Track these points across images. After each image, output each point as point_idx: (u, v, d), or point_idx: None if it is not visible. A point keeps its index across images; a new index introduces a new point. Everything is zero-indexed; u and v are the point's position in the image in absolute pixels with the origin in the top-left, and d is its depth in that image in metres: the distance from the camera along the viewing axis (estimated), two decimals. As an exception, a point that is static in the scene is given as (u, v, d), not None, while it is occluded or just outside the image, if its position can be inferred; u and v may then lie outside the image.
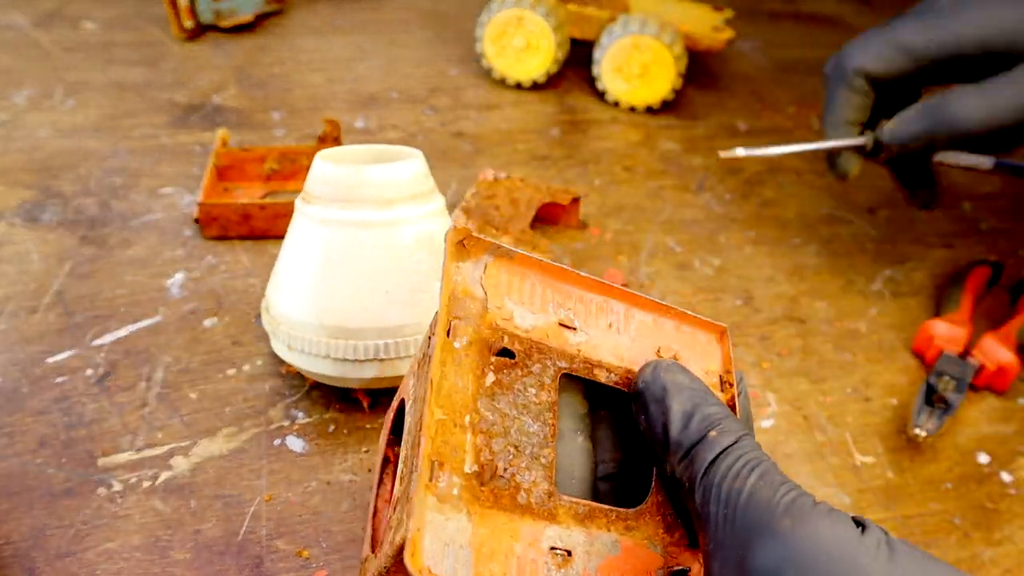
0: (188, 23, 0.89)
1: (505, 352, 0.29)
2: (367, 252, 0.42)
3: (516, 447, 0.28)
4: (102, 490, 0.41)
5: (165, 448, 0.44)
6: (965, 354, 0.53)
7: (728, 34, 0.85)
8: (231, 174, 0.65)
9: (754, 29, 1.08)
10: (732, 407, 0.32)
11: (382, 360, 0.43)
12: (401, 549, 0.26)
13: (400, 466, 0.30)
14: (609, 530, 0.29)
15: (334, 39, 0.95)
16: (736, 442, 0.27)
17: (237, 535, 0.40)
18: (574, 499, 0.29)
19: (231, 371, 0.49)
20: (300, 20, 0.99)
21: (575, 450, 0.31)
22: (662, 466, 0.30)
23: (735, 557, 0.25)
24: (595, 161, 0.75)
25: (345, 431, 0.46)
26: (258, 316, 0.53)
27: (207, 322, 0.52)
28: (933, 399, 0.51)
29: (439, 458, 0.26)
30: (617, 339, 0.32)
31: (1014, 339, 0.53)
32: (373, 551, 0.34)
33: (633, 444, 0.32)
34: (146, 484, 0.42)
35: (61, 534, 0.39)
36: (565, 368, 0.30)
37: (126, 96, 0.78)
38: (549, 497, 0.28)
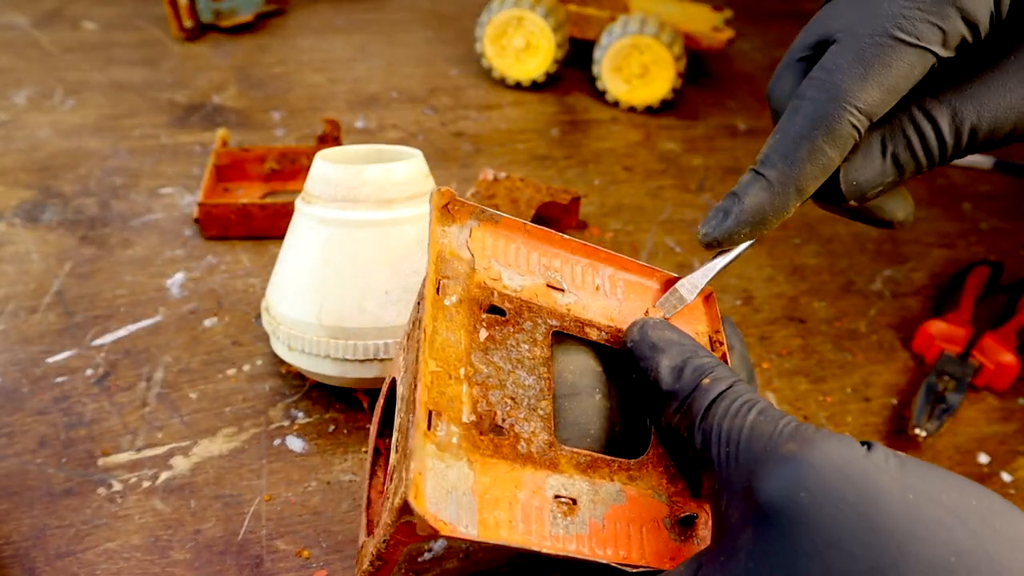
0: (188, 23, 0.89)
1: (495, 309, 0.30)
2: (367, 252, 0.42)
3: (513, 399, 0.28)
4: (102, 490, 0.41)
5: (165, 448, 0.44)
6: (965, 354, 0.53)
7: (728, 34, 0.85)
8: (231, 174, 0.65)
9: (754, 29, 1.08)
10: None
11: (382, 360, 0.43)
12: (403, 507, 0.26)
13: (395, 435, 0.30)
14: (612, 480, 0.29)
15: (334, 39, 0.95)
16: (731, 387, 0.27)
17: (237, 535, 0.40)
18: (575, 450, 0.29)
19: (231, 371, 0.49)
20: (300, 20, 0.99)
21: (592, 408, 0.31)
22: (659, 419, 0.30)
23: (742, 491, 0.25)
24: (595, 161, 0.75)
25: (345, 431, 0.46)
26: (258, 316, 0.53)
27: (207, 322, 0.52)
28: (933, 399, 0.51)
29: (436, 408, 0.26)
30: (605, 301, 0.33)
31: (1014, 339, 0.53)
32: (369, 534, 0.34)
33: (630, 399, 0.32)
34: (146, 484, 0.42)
35: (61, 534, 0.39)
36: (556, 326, 0.31)
37: (126, 96, 0.78)
38: (550, 447, 0.28)
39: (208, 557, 0.38)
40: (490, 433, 0.27)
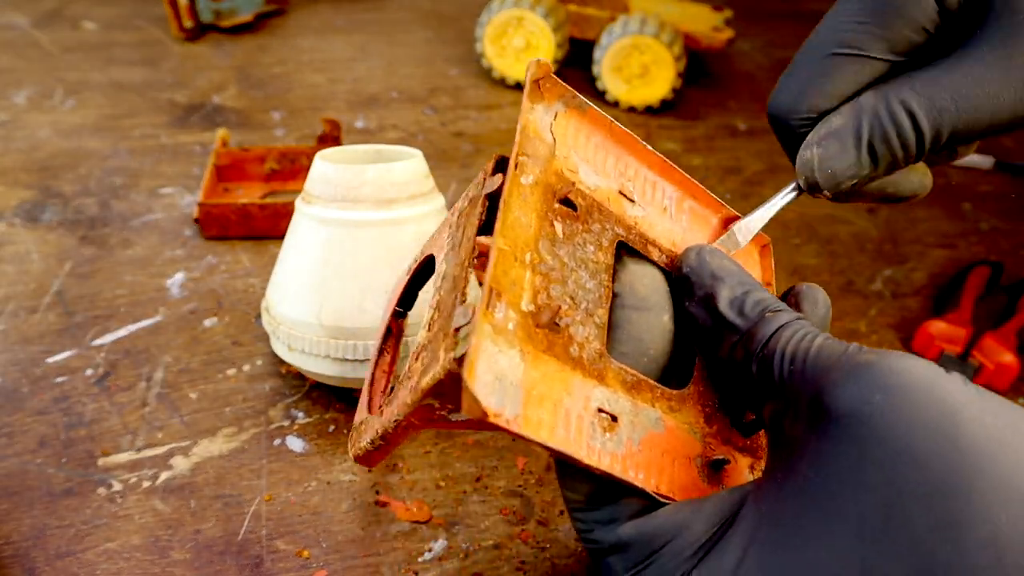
0: (188, 23, 0.89)
1: (568, 203, 0.28)
2: (367, 252, 0.42)
3: (572, 299, 0.27)
4: (102, 490, 0.41)
5: (165, 448, 0.44)
6: (965, 354, 0.53)
7: (728, 34, 0.85)
8: (231, 174, 0.65)
9: (754, 29, 1.08)
10: None
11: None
12: (432, 388, 0.25)
13: (430, 312, 0.29)
14: (654, 406, 0.28)
15: (334, 39, 0.95)
16: (796, 319, 0.27)
17: (237, 535, 0.40)
18: (623, 366, 0.28)
19: (231, 371, 0.49)
20: (300, 20, 0.99)
21: (658, 327, 0.29)
22: (712, 351, 0.29)
23: (808, 404, 0.23)
24: (595, 161, 0.75)
25: (345, 431, 0.46)
26: (258, 316, 0.53)
27: (207, 322, 0.52)
28: None
29: (498, 287, 0.24)
30: (671, 224, 0.32)
31: (1014, 339, 0.53)
32: (371, 412, 0.33)
33: (681, 328, 0.30)
34: (146, 484, 0.42)
35: (61, 534, 0.39)
36: (622, 236, 0.29)
37: (126, 96, 0.78)
38: (600, 357, 0.27)
39: (208, 557, 0.38)
40: (546, 328, 0.25)
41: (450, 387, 0.25)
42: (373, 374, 0.36)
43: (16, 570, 0.37)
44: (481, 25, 0.83)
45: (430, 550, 0.39)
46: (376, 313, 0.42)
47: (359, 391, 0.47)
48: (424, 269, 0.36)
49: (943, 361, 0.53)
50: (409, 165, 0.44)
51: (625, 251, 0.30)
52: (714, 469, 0.29)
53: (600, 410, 0.26)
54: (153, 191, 0.65)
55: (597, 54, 0.82)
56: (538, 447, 0.24)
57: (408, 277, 0.36)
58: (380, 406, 0.33)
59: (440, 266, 0.31)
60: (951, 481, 0.20)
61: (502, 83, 0.86)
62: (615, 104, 0.84)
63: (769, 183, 0.74)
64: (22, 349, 0.49)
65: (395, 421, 0.28)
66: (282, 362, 0.49)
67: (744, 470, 0.30)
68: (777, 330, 0.26)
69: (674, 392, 0.29)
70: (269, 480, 0.43)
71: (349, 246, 0.42)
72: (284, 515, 0.41)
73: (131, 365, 0.49)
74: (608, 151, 0.31)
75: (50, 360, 0.48)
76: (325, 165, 0.43)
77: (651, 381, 0.28)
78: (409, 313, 0.38)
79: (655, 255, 0.30)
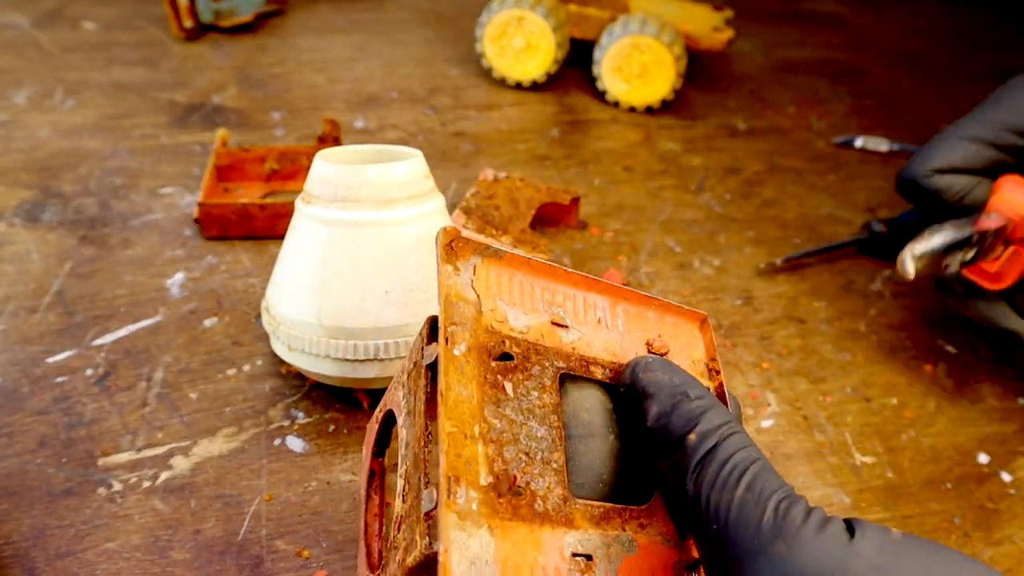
0: (188, 23, 0.89)
1: (505, 356, 0.29)
2: (367, 252, 0.42)
3: (527, 454, 0.27)
4: (102, 490, 0.41)
5: (165, 448, 0.44)
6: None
7: (728, 34, 0.85)
8: (231, 174, 0.65)
9: (754, 29, 1.08)
10: (720, 393, 0.32)
11: (382, 360, 0.43)
12: (417, 568, 0.25)
13: (400, 483, 0.30)
14: (624, 529, 0.28)
15: (334, 39, 0.95)
16: (717, 445, 0.27)
17: (237, 535, 0.40)
18: (587, 501, 0.28)
19: (231, 371, 0.49)
20: (300, 20, 0.99)
21: (606, 450, 0.30)
22: (656, 464, 0.29)
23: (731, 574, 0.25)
24: (595, 161, 0.75)
25: (345, 431, 0.46)
26: (258, 316, 0.53)
27: (207, 322, 0.52)
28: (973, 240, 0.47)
29: (454, 473, 0.25)
30: (607, 334, 0.32)
31: None
32: (372, 571, 0.34)
33: (633, 440, 0.31)
34: (146, 484, 0.42)
35: (61, 534, 0.39)
36: (563, 368, 0.30)
37: (126, 96, 0.78)
38: (565, 502, 0.27)
39: (208, 557, 0.38)
40: (508, 495, 0.26)
41: (432, 567, 0.26)
42: (365, 520, 0.36)
43: (16, 570, 0.37)
44: (481, 25, 0.83)
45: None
46: (376, 313, 0.42)
47: (359, 391, 0.47)
48: (389, 418, 0.36)
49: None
50: (409, 165, 0.44)
51: (566, 379, 0.30)
52: (692, 570, 0.29)
53: (574, 554, 0.26)
54: (153, 191, 0.65)
55: (597, 54, 0.82)
56: None
57: (377, 426, 0.37)
58: (378, 563, 0.34)
59: (401, 430, 0.32)
60: None
61: (502, 83, 0.86)
62: (615, 104, 0.84)
63: (769, 183, 0.74)
64: (22, 349, 0.49)
65: None
66: (282, 362, 0.49)
67: None
68: (701, 461, 0.27)
69: (642, 508, 0.29)
70: (269, 480, 0.43)
71: (349, 246, 0.42)
72: (284, 515, 0.41)
73: (131, 365, 0.49)
74: (534, 285, 0.31)
75: (50, 360, 0.48)
76: (325, 165, 0.43)
77: (617, 507, 0.29)
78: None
79: (598, 373, 0.31)
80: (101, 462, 0.43)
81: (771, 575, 0.24)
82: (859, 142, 0.81)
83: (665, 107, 0.84)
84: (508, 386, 0.28)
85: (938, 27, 1.18)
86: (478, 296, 0.29)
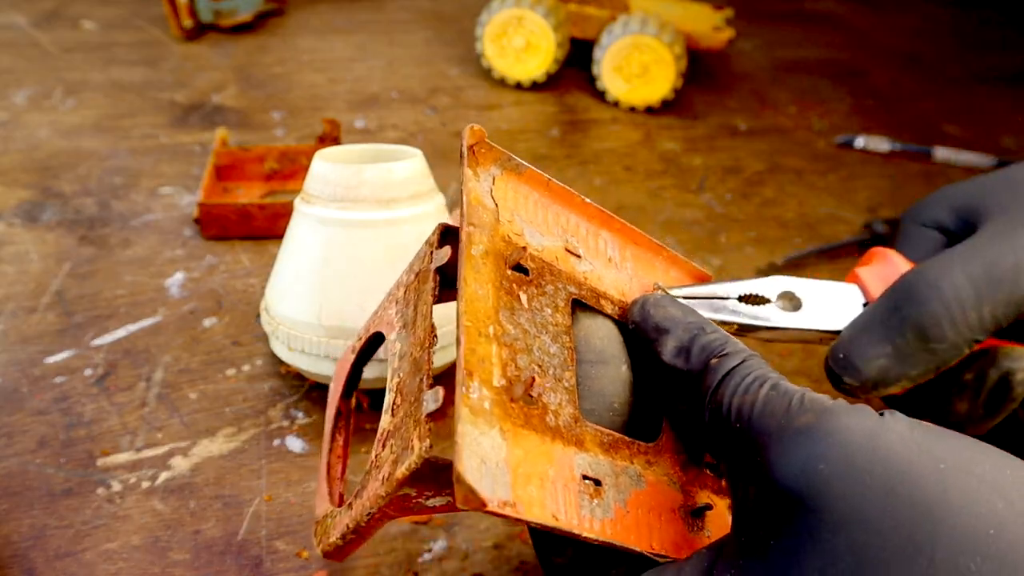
0: (187, 23, 0.89)
1: (520, 268, 0.28)
2: (367, 252, 0.42)
3: (540, 366, 0.26)
4: (102, 490, 0.41)
5: (165, 448, 0.44)
6: None
7: (728, 34, 0.85)
8: (231, 174, 0.65)
9: (754, 29, 1.08)
10: None
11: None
12: (406, 478, 0.24)
13: (390, 397, 0.29)
14: (632, 463, 0.28)
15: (334, 39, 0.95)
16: (742, 362, 0.26)
17: (237, 535, 0.40)
18: (599, 427, 0.27)
19: (231, 371, 0.49)
20: (300, 20, 0.99)
21: (619, 378, 0.29)
22: (670, 400, 0.28)
23: (757, 471, 0.23)
24: (595, 161, 0.75)
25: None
26: (258, 316, 0.53)
27: (207, 322, 0.52)
28: None
29: (468, 368, 0.23)
30: (617, 273, 0.31)
31: None
32: (337, 505, 0.32)
33: (642, 377, 0.30)
34: (146, 484, 0.42)
35: (61, 534, 0.39)
36: (575, 294, 0.29)
37: (126, 96, 0.78)
38: (576, 422, 0.26)
39: (208, 557, 0.38)
40: (521, 401, 0.25)
41: (428, 474, 0.25)
42: (328, 461, 0.35)
43: (16, 570, 0.37)
44: (481, 25, 0.83)
45: (430, 551, 0.39)
46: (376, 313, 0.42)
47: (359, 391, 0.47)
48: (369, 347, 0.35)
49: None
50: (409, 165, 0.44)
51: (577, 307, 0.30)
52: (696, 516, 0.29)
53: (584, 476, 0.25)
54: (153, 191, 0.64)
55: (597, 54, 0.82)
56: (536, 526, 0.23)
57: (354, 356, 0.36)
58: (345, 497, 0.32)
59: (394, 345, 0.31)
60: (914, 540, 0.20)
61: (502, 83, 0.86)
62: (615, 104, 0.84)
63: (769, 183, 0.74)
64: (21, 349, 0.49)
65: (368, 514, 0.27)
66: (282, 362, 0.49)
67: (725, 512, 0.30)
68: (723, 379, 0.26)
69: (648, 445, 0.29)
70: (269, 480, 0.42)
71: (349, 246, 0.42)
72: (284, 515, 0.41)
73: (131, 365, 0.48)
74: (548, 209, 0.30)
75: (49, 360, 0.48)
76: (325, 165, 0.43)
77: (626, 438, 0.28)
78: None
79: (607, 308, 0.30)
80: (100, 462, 0.43)
81: (798, 447, 0.22)
82: (860, 142, 0.81)
83: (665, 107, 0.84)
84: (523, 297, 0.27)
85: (938, 27, 1.18)
86: (496, 205, 0.28)
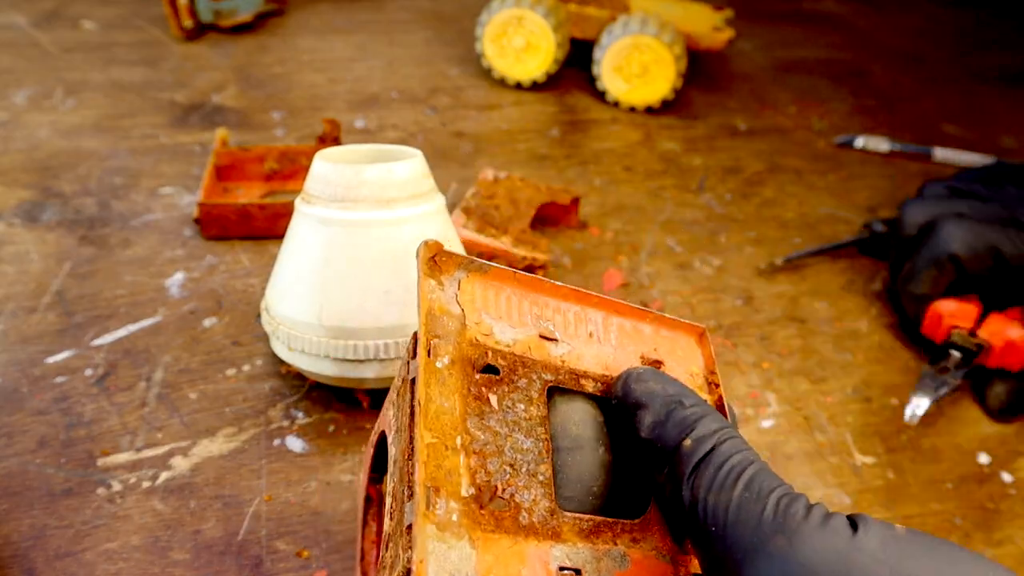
0: (187, 23, 0.89)
1: (489, 368, 0.28)
2: (367, 252, 0.42)
3: (512, 465, 0.27)
4: (102, 490, 0.41)
5: (165, 448, 0.44)
6: (974, 332, 0.52)
7: (728, 34, 0.85)
8: (231, 174, 0.65)
9: (754, 29, 1.08)
10: (720, 407, 0.31)
11: (382, 360, 0.43)
12: None
13: (388, 501, 0.30)
14: (616, 544, 0.28)
15: (334, 39, 0.95)
16: (713, 448, 0.26)
17: (237, 535, 0.40)
18: (577, 515, 0.28)
19: (231, 371, 0.49)
20: (300, 20, 0.99)
21: (595, 462, 0.29)
22: (652, 477, 0.29)
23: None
24: (595, 161, 0.75)
25: (345, 431, 0.46)
26: (258, 316, 0.53)
27: (207, 322, 0.52)
28: (936, 371, 0.51)
29: (434, 483, 0.25)
30: (599, 348, 0.32)
31: (1020, 315, 0.52)
32: None
33: (627, 453, 0.31)
34: (146, 484, 0.42)
35: (61, 534, 0.39)
36: (551, 380, 0.29)
37: (126, 96, 0.78)
38: (552, 515, 0.27)
39: (208, 557, 0.38)
40: (491, 506, 0.25)
41: None
42: (362, 547, 0.36)
43: (16, 570, 0.37)
44: (481, 25, 0.83)
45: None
46: (376, 313, 0.42)
47: (359, 391, 0.47)
48: (381, 444, 0.36)
49: (953, 336, 0.52)
50: (409, 165, 0.44)
51: (555, 392, 0.30)
52: None
53: (562, 568, 0.26)
54: (153, 191, 0.64)
55: (597, 54, 0.82)
56: None
57: (372, 450, 0.37)
58: None
59: (391, 448, 0.31)
60: None
61: (502, 83, 0.86)
62: (615, 104, 0.84)
63: (769, 183, 0.74)
64: (22, 349, 0.49)
65: None
66: (282, 362, 0.49)
67: None
68: (697, 466, 0.26)
69: (635, 522, 0.29)
70: (269, 480, 0.42)
71: (349, 246, 0.42)
72: (284, 515, 0.41)
73: (131, 365, 0.48)
74: (524, 299, 0.31)
75: (49, 360, 0.48)
76: (325, 165, 0.43)
77: (608, 520, 0.28)
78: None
79: (589, 386, 0.30)
80: (101, 462, 0.43)
81: (771, 571, 0.23)
82: (860, 142, 0.81)
83: (665, 107, 0.84)
84: (493, 398, 0.28)
85: (938, 27, 1.18)
86: (463, 310, 0.29)
